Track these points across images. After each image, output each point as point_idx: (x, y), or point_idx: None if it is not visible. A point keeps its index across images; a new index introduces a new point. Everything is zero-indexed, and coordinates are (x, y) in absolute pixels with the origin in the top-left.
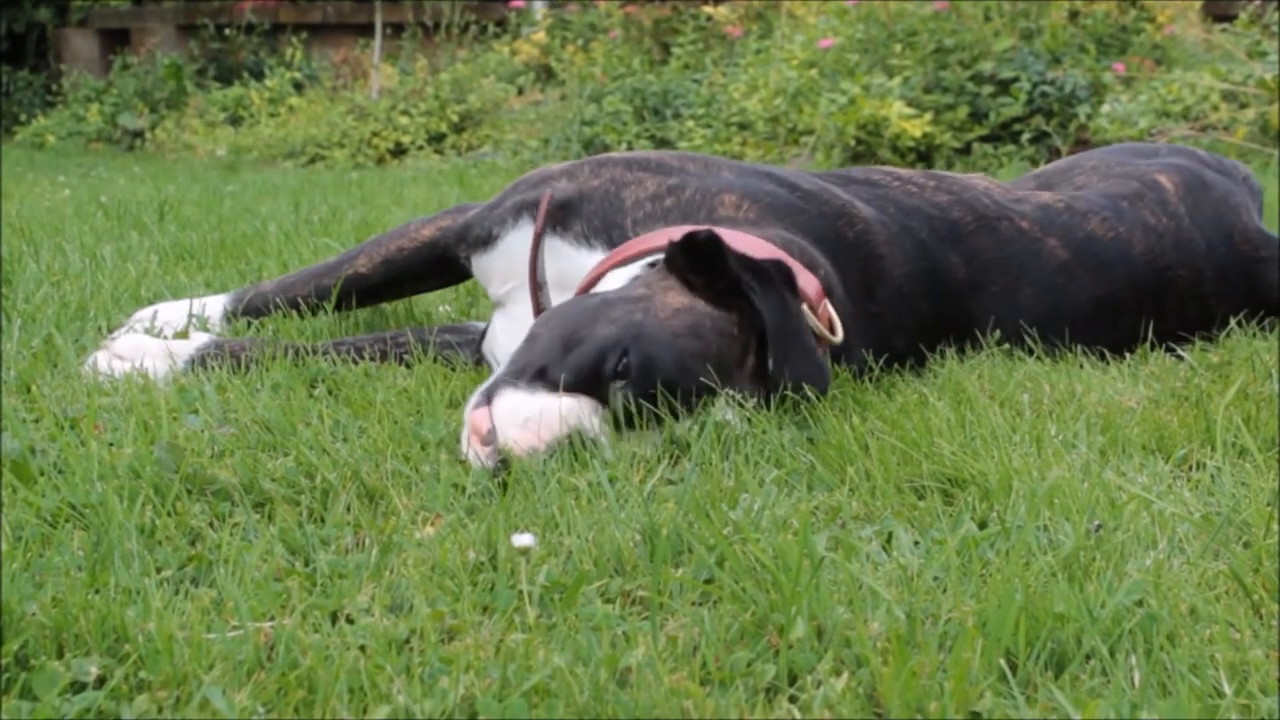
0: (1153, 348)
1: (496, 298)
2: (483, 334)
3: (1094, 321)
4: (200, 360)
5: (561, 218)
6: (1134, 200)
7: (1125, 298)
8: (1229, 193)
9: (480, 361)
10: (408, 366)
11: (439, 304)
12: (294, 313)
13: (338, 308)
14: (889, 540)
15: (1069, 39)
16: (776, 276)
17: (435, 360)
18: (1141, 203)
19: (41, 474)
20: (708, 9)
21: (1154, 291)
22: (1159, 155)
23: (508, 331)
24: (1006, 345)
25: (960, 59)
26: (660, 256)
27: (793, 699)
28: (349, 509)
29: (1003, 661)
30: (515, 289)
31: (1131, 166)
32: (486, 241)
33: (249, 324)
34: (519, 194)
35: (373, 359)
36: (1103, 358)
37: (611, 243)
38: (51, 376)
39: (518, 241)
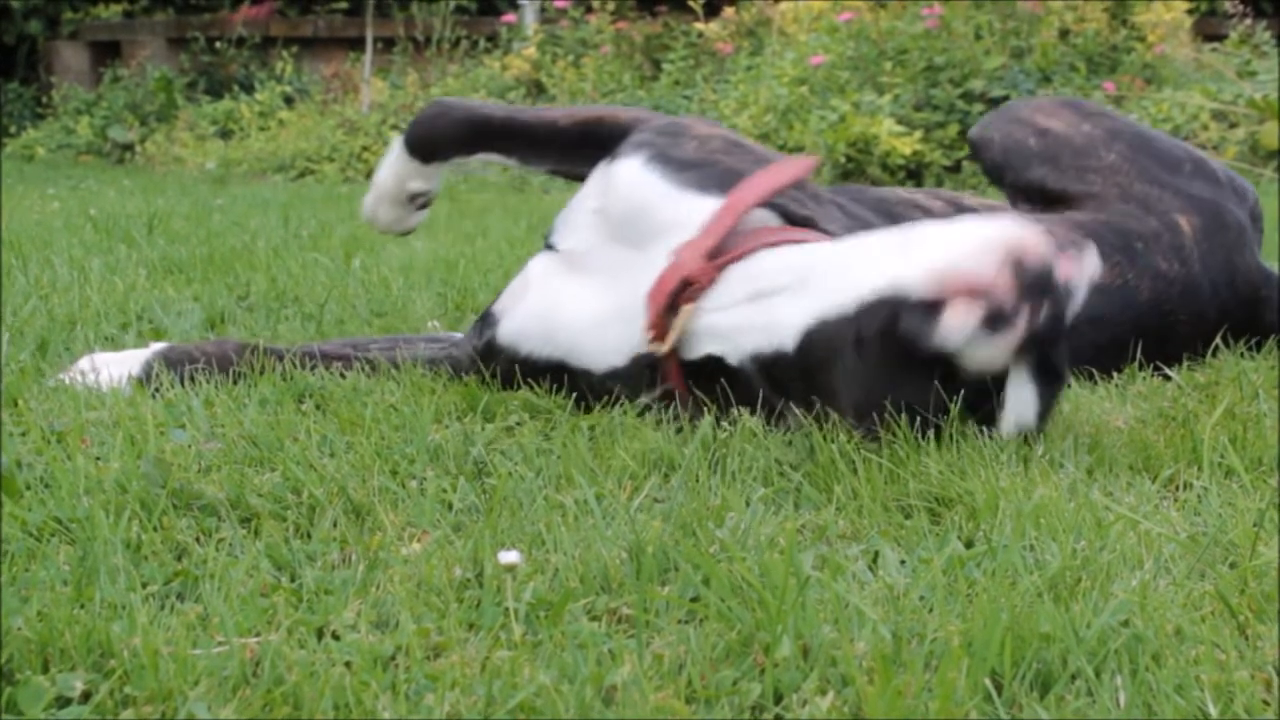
0: (1141, 367)
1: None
2: (482, 320)
3: (1094, 363)
4: (150, 369)
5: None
6: (1150, 242)
7: (1128, 340)
8: (1241, 229)
9: (468, 371)
10: (377, 371)
11: (427, 319)
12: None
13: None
14: (875, 559)
15: (1059, 58)
16: None
17: (417, 367)
18: (1157, 245)
19: (28, 488)
20: (699, 25)
21: (1158, 333)
22: (1182, 171)
23: (577, 299)
24: None
25: (951, 77)
26: None
27: (778, 718)
28: (335, 525)
29: (988, 681)
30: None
31: (1154, 195)
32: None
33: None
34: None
35: (348, 367)
36: (1092, 378)
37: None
38: (39, 390)
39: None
